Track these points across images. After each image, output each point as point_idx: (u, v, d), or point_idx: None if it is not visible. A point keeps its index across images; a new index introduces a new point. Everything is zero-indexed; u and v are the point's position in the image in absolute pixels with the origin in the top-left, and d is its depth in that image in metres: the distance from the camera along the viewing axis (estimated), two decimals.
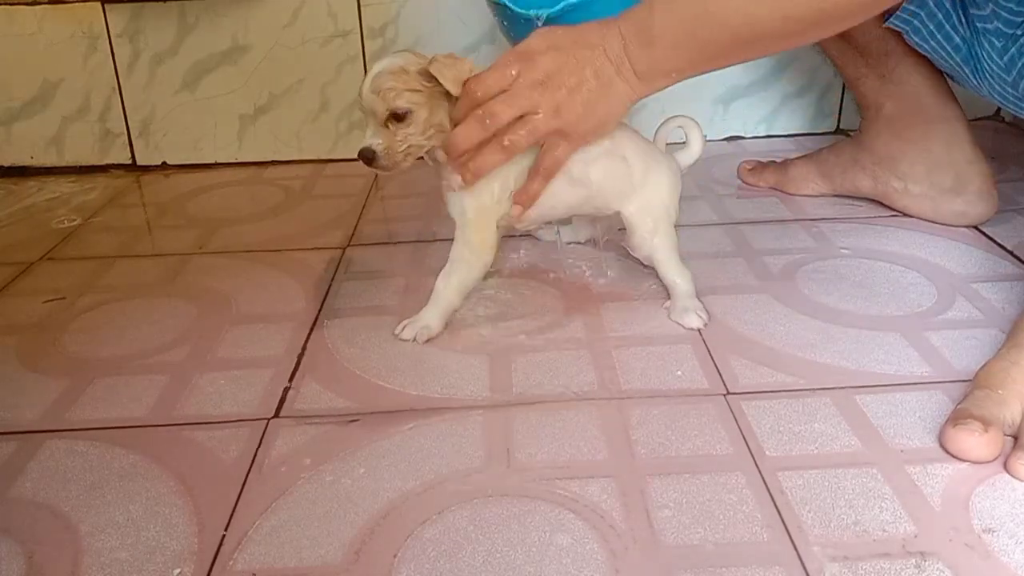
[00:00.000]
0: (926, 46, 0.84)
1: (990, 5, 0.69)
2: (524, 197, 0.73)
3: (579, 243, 0.93)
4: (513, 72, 0.68)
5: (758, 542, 0.51)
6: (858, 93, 0.98)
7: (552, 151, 0.70)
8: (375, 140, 0.71)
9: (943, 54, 0.82)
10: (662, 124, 0.80)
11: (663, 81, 0.69)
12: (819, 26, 0.63)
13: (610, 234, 0.90)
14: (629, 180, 0.75)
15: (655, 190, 0.76)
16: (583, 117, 0.69)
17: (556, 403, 0.66)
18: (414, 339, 0.75)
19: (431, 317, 0.75)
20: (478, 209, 0.73)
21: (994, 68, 0.75)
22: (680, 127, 0.80)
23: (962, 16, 0.78)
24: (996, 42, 0.73)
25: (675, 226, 0.78)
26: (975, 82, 0.82)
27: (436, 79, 0.68)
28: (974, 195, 0.93)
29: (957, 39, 0.78)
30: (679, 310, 0.77)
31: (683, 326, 0.76)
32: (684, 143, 0.80)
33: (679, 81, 0.69)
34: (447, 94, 0.70)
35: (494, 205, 0.73)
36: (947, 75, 0.90)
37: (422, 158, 0.73)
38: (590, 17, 0.75)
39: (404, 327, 0.76)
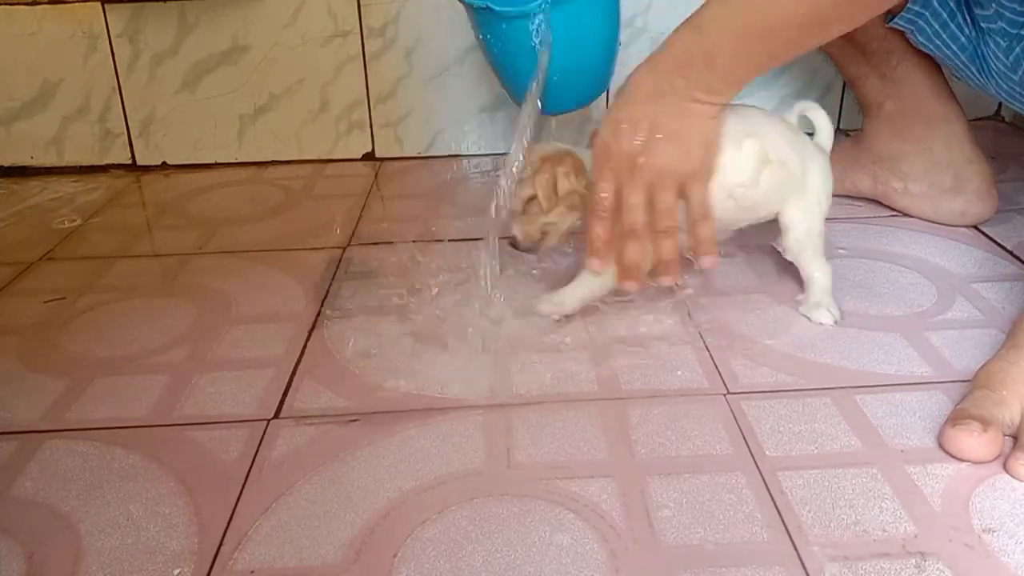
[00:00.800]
0: (931, 46, 0.84)
1: (993, 5, 0.69)
2: (703, 247, 0.72)
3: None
4: (608, 173, 0.69)
5: (758, 542, 0.51)
6: (859, 93, 0.98)
7: (692, 199, 0.70)
8: (516, 226, 0.76)
9: (948, 53, 0.82)
10: (787, 113, 0.78)
11: (736, 89, 0.68)
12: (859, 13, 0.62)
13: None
14: (791, 182, 0.74)
15: (812, 187, 0.75)
16: (685, 158, 0.69)
17: (556, 403, 0.66)
18: (549, 315, 0.76)
19: (568, 296, 0.76)
20: None
21: (1000, 67, 0.75)
22: (804, 114, 0.78)
23: (967, 15, 0.77)
24: (1001, 41, 0.73)
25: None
26: (981, 80, 0.82)
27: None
28: (974, 195, 0.93)
29: (962, 38, 0.78)
30: (811, 304, 0.76)
31: (812, 320, 0.76)
32: (813, 131, 0.78)
33: (754, 78, 0.68)
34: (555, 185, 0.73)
35: None
36: (953, 74, 0.90)
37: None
38: (572, 11, 0.80)
39: (542, 301, 0.77)
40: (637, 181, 0.69)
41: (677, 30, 0.67)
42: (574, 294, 0.76)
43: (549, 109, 0.99)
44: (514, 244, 0.76)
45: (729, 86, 0.68)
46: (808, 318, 0.76)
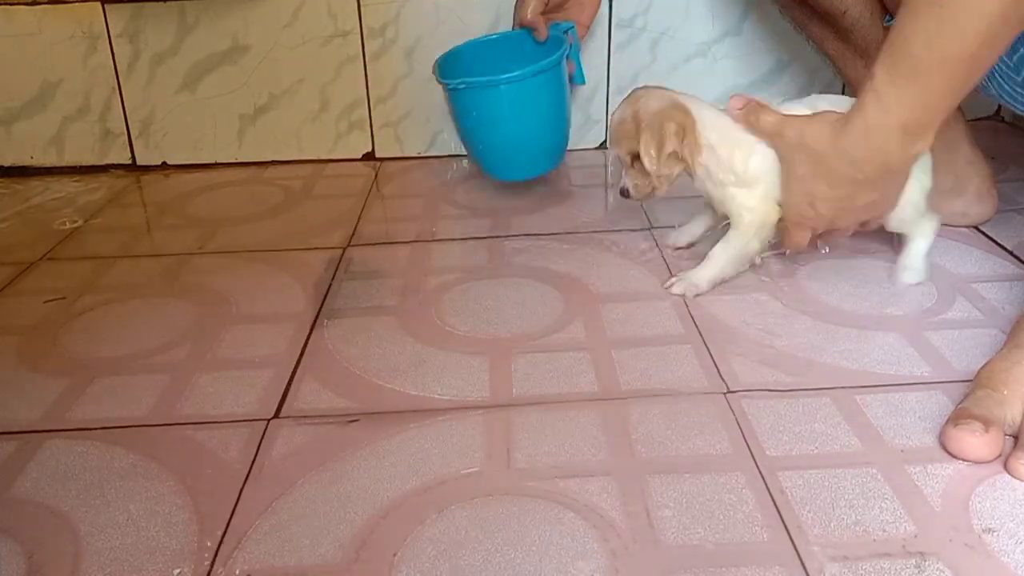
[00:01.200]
0: None
1: None
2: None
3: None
4: (803, 232, 0.78)
5: (758, 542, 0.51)
6: (858, 94, 0.98)
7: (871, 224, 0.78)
8: (626, 179, 0.83)
9: None
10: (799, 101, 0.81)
11: (931, 130, 0.68)
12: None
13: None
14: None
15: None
16: (880, 209, 0.76)
17: (556, 403, 0.66)
18: (683, 294, 0.80)
19: (702, 277, 0.81)
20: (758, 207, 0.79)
21: (1003, 68, 0.75)
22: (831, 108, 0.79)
23: None
24: None
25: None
26: (984, 82, 0.81)
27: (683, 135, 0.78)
28: (974, 196, 0.93)
29: None
30: (903, 266, 0.81)
31: (902, 280, 0.81)
32: None
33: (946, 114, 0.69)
34: (677, 134, 0.78)
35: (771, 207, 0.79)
36: None
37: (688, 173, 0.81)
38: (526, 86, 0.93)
39: (674, 282, 0.82)
40: (816, 231, 0.78)
41: (859, 111, 0.67)
42: (708, 274, 0.81)
43: (506, 177, 1.09)
44: (625, 194, 0.82)
45: (928, 138, 0.68)
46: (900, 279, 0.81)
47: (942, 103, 0.66)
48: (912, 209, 0.78)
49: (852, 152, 0.69)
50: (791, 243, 0.79)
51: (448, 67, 1.04)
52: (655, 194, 0.82)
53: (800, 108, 0.78)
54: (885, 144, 0.68)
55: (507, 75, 0.96)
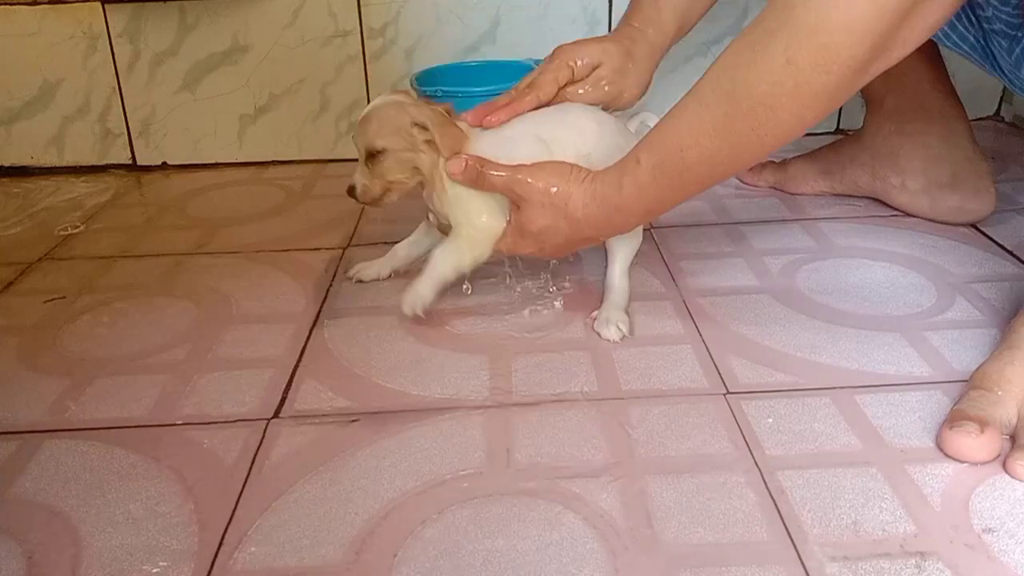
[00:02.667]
0: (948, 42, 0.83)
1: (990, 8, 0.69)
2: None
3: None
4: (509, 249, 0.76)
5: (758, 542, 0.51)
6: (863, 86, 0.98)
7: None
8: (357, 177, 0.75)
9: (964, 51, 0.82)
10: (628, 120, 0.82)
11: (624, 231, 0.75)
12: (797, 134, 0.63)
13: None
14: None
15: None
16: (562, 250, 0.76)
17: (556, 403, 0.66)
18: (411, 312, 0.75)
19: (425, 286, 0.75)
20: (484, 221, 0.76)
21: (1007, 65, 0.75)
22: (644, 122, 0.81)
23: (972, 16, 0.77)
24: (1003, 42, 0.73)
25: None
26: (997, 75, 0.81)
27: (424, 127, 0.73)
28: (971, 191, 0.92)
29: (971, 38, 0.78)
30: (603, 320, 0.76)
31: (601, 336, 0.75)
32: None
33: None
34: (431, 143, 0.73)
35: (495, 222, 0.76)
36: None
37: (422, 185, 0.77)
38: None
39: (404, 302, 0.76)
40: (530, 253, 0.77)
41: (616, 187, 0.68)
42: (430, 282, 0.76)
43: None
44: (352, 194, 0.75)
45: (625, 230, 0.74)
46: (599, 334, 0.76)
47: (680, 200, 0.69)
48: None
49: (595, 218, 0.70)
50: (505, 246, 0.76)
51: (426, 83, 1.03)
52: (383, 200, 0.76)
53: (632, 123, 0.80)
54: (628, 220, 0.71)
55: (482, 88, 0.93)
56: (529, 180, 0.71)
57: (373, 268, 0.87)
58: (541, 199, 0.71)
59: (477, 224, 0.75)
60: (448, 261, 0.76)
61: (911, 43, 0.57)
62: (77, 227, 1.05)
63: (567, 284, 0.85)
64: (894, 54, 0.57)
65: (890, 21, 0.54)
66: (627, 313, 0.77)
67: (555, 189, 0.70)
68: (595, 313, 0.78)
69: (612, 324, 0.75)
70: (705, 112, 0.61)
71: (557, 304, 0.81)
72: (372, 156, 0.74)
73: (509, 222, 0.75)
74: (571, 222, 0.71)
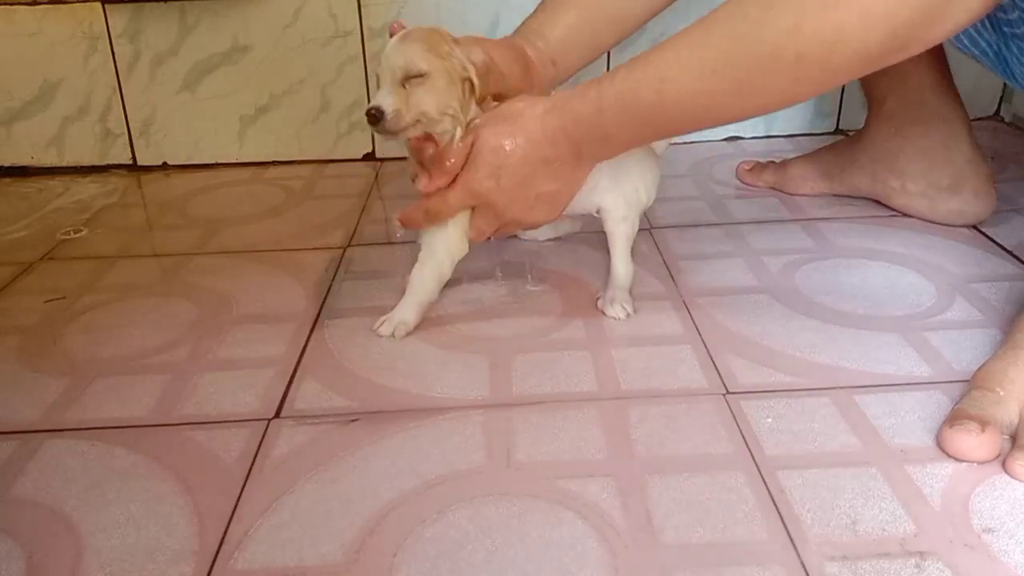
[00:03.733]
0: (959, 45, 0.83)
1: (1017, 11, 0.68)
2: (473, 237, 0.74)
3: (558, 238, 0.94)
4: (474, 201, 0.71)
5: (757, 541, 0.51)
6: (865, 85, 0.98)
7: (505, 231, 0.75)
8: (386, 99, 0.66)
9: (975, 54, 0.82)
10: None
11: (614, 155, 0.71)
12: (779, 106, 0.63)
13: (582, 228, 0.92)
14: (601, 172, 0.74)
15: (628, 179, 0.76)
16: (547, 214, 0.73)
17: (556, 403, 0.66)
18: (392, 335, 0.75)
19: (407, 310, 0.76)
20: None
21: (1023, 71, 0.75)
22: None
23: (986, 20, 0.77)
24: (1016, 46, 0.73)
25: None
26: (1012, 82, 0.81)
27: (471, 65, 0.69)
28: (971, 194, 0.92)
29: (983, 43, 0.77)
30: (608, 299, 0.77)
31: (607, 315, 0.76)
32: None
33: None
34: (468, 81, 0.69)
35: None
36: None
37: (430, 138, 0.70)
38: None
39: (382, 323, 0.76)
40: (494, 223, 0.73)
41: (581, 95, 0.66)
42: (412, 304, 0.76)
43: None
44: (375, 118, 0.67)
45: (614, 155, 0.70)
46: (604, 312, 0.77)
47: (636, 138, 0.67)
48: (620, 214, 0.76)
49: (553, 129, 0.66)
50: (473, 229, 0.74)
51: None
52: (407, 132, 0.69)
53: None
54: (585, 141, 0.67)
55: None
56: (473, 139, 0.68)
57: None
58: (508, 110, 0.68)
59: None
60: (426, 278, 0.75)
61: (930, 42, 0.55)
62: (80, 231, 1.05)
63: (565, 283, 0.85)
64: (910, 50, 0.55)
65: (909, 17, 0.53)
66: (631, 294, 0.78)
67: (501, 146, 0.67)
68: (600, 294, 0.79)
69: (617, 303, 0.76)
70: (698, 53, 0.59)
71: (556, 303, 0.81)
72: (409, 79, 0.66)
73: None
74: (528, 141, 0.67)
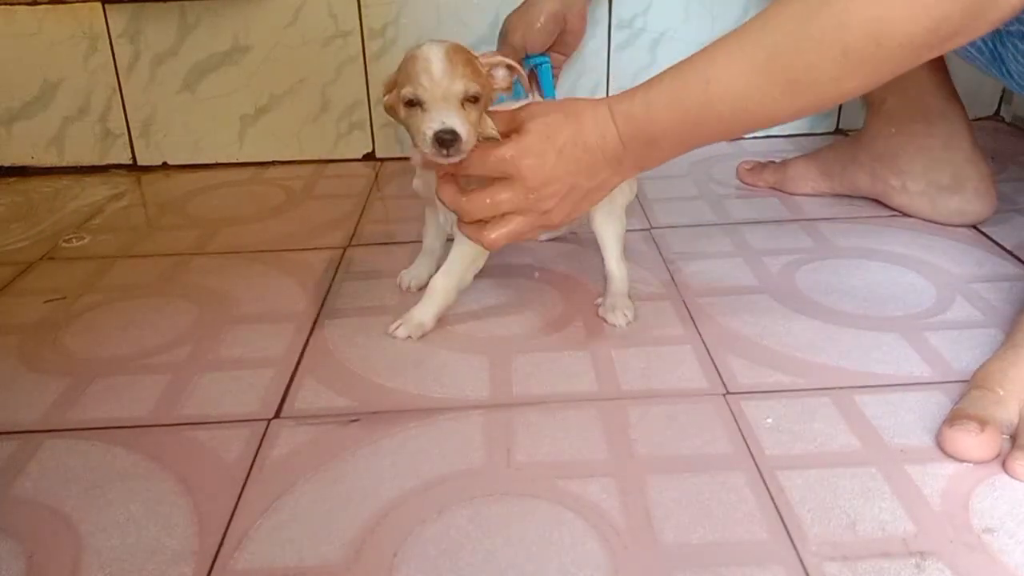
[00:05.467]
0: None
1: None
2: (484, 239, 0.69)
3: (558, 238, 0.94)
4: (511, 170, 0.66)
5: (757, 541, 0.51)
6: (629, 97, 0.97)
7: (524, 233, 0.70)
8: (456, 122, 0.63)
9: (971, 53, 0.82)
10: None
11: (659, 165, 0.69)
12: (826, 105, 0.62)
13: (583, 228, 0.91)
14: None
15: None
16: (569, 214, 0.69)
17: (556, 403, 0.66)
18: (408, 337, 0.75)
19: (426, 314, 0.76)
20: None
21: (1020, 69, 0.75)
22: None
23: None
24: (1020, 44, 0.73)
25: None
26: (1005, 81, 0.81)
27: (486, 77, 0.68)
28: (971, 193, 0.93)
29: (979, 42, 0.78)
30: (608, 307, 0.77)
31: (607, 322, 0.76)
32: None
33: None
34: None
35: None
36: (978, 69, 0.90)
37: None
38: None
39: (398, 326, 0.76)
40: (513, 206, 0.67)
41: (630, 97, 0.64)
42: (432, 309, 0.76)
43: None
44: (448, 142, 0.63)
45: (653, 165, 0.68)
46: (604, 320, 0.77)
47: (693, 140, 0.65)
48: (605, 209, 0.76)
49: (612, 139, 0.65)
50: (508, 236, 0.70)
51: None
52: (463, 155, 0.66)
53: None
54: (637, 143, 0.65)
55: None
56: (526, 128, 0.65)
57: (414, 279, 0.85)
58: (539, 140, 0.65)
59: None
60: (451, 288, 0.75)
61: (975, 34, 0.55)
62: (83, 238, 1.04)
63: (565, 283, 0.85)
64: (956, 41, 0.55)
65: (954, 9, 0.53)
66: (630, 298, 0.78)
67: (553, 122, 0.65)
68: (599, 300, 0.79)
69: (618, 311, 0.76)
70: (745, 53, 0.59)
71: (556, 303, 0.81)
72: (466, 101, 0.65)
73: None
74: (579, 129, 0.65)
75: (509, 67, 0.70)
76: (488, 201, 0.67)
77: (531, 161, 0.65)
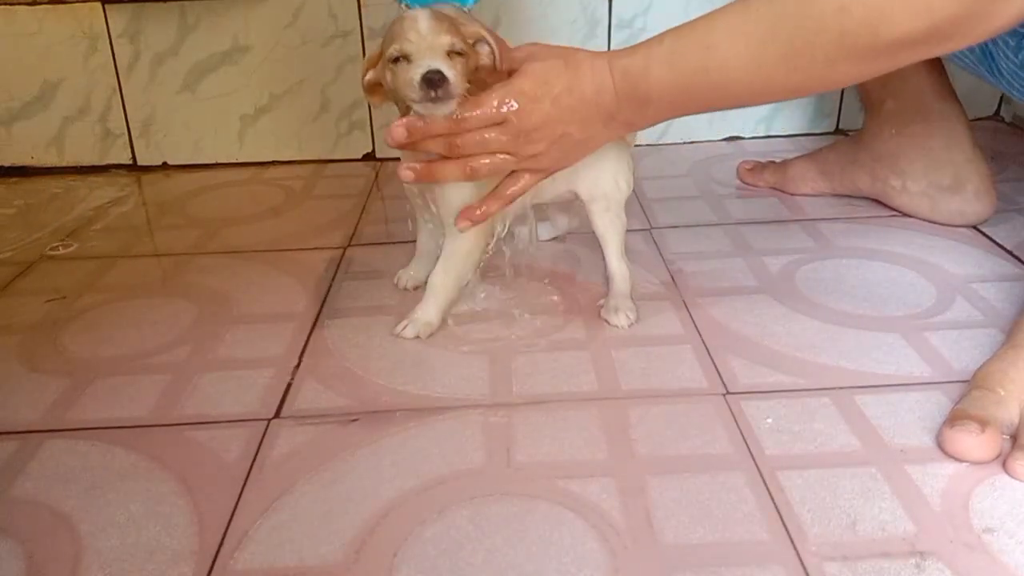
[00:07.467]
0: None
1: None
2: (475, 215, 0.71)
3: (557, 238, 0.94)
4: (504, 111, 0.66)
5: (757, 541, 0.51)
6: (862, 89, 0.98)
7: (516, 182, 0.70)
8: (443, 65, 0.64)
9: (959, 52, 0.82)
10: None
11: (647, 127, 0.69)
12: (816, 89, 0.63)
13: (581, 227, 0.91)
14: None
15: (604, 165, 0.76)
16: (557, 161, 0.70)
17: (556, 403, 0.66)
18: (417, 336, 0.75)
19: (430, 313, 0.76)
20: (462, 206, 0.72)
21: (1010, 66, 0.75)
22: None
23: None
24: (1010, 40, 0.73)
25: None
26: (993, 80, 0.81)
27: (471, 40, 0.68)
28: (972, 194, 0.93)
29: None
30: (611, 308, 0.77)
31: (610, 323, 0.76)
32: None
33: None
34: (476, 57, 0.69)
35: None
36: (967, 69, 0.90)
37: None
38: None
39: (405, 326, 0.76)
40: (501, 146, 0.67)
41: (630, 53, 0.65)
42: (435, 307, 0.76)
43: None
44: (435, 82, 0.63)
45: (646, 124, 0.68)
46: (607, 321, 0.77)
47: (688, 106, 0.65)
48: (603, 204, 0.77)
49: (607, 88, 0.65)
50: (513, 190, 0.71)
51: None
52: (455, 99, 0.65)
53: None
54: (634, 99, 0.65)
55: None
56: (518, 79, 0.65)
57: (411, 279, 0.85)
58: (535, 85, 0.65)
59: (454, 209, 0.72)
60: (450, 285, 0.75)
61: (976, 37, 0.55)
62: (70, 246, 1.02)
63: (565, 283, 0.85)
64: (955, 42, 0.56)
65: (955, 12, 0.53)
66: (632, 299, 0.78)
67: (551, 68, 0.65)
68: (602, 301, 0.79)
69: (620, 312, 0.76)
70: (746, 22, 0.60)
71: (556, 303, 0.81)
72: (452, 55, 0.65)
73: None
74: (577, 76, 0.65)
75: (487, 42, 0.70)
76: (478, 138, 0.67)
77: (525, 103, 0.66)
